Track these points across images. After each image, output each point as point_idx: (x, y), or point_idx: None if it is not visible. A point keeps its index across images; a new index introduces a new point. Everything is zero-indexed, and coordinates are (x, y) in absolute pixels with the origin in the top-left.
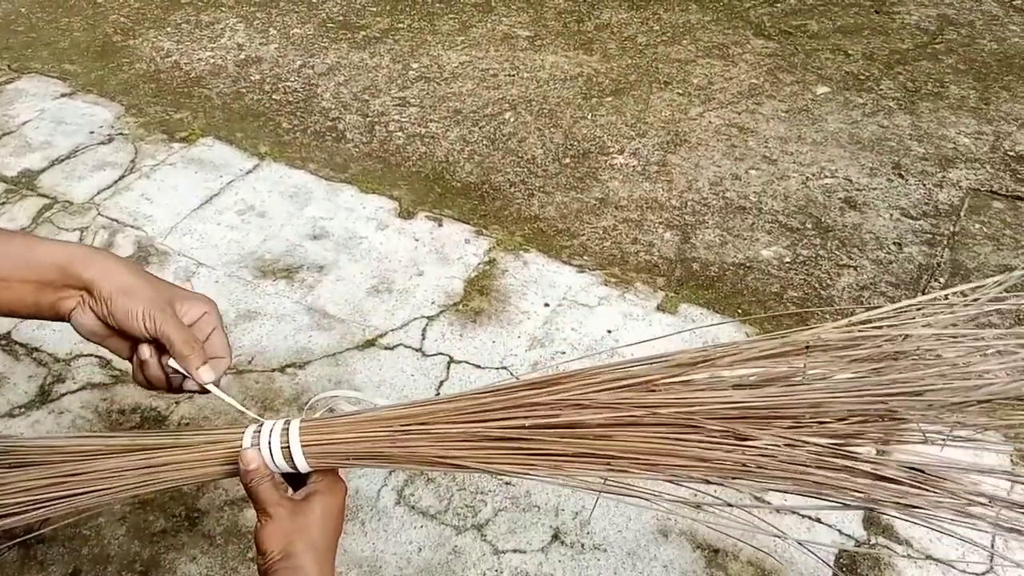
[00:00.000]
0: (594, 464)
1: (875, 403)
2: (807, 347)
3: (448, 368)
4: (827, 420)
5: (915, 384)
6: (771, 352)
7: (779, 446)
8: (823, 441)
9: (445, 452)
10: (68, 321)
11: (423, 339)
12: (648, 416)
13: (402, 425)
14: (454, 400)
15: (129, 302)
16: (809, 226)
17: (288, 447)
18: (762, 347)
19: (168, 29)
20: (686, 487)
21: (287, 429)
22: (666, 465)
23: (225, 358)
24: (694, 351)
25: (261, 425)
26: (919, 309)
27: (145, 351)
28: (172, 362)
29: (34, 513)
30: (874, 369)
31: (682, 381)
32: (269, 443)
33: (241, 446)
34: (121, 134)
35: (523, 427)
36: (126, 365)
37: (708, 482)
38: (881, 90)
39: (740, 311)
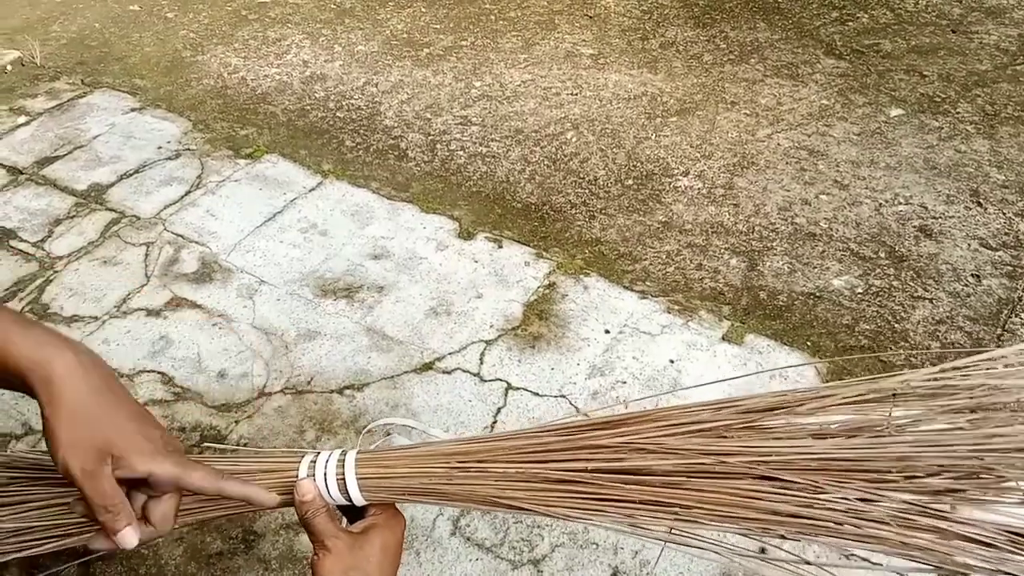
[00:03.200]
0: (660, 513)
1: (969, 458)
2: (894, 395)
3: (506, 395)
4: (915, 475)
5: (1015, 438)
6: (854, 399)
7: (862, 502)
8: (910, 498)
9: (502, 492)
10: None
11: (481, 364)
12: (718, 464)
13: (459, 462)
14: (513, 437)
15: (51, 441)
16: (882, 255)
17: (343, 479)
18: (844, 393)
19: (236, 45)
20: (756, 539)
21: (343, 460)
22: (739, 518)
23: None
24: (770, 395)
25: (317, 454)
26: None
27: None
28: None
29: (93, 535)
30: (969, 420)
31: (756, 428)
32: (324, 474)
33: (297, 476)
34: (188, 149)
35: (585, 471)
36: (189, 382)
37: (784, 537)
38: (958, 113)
39: (809, 344)
